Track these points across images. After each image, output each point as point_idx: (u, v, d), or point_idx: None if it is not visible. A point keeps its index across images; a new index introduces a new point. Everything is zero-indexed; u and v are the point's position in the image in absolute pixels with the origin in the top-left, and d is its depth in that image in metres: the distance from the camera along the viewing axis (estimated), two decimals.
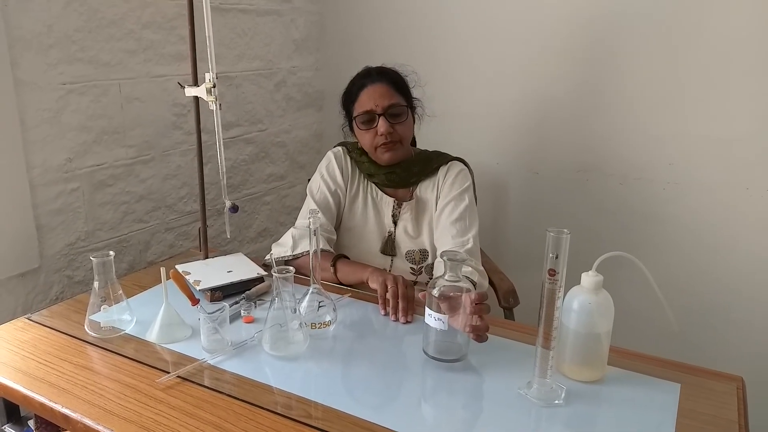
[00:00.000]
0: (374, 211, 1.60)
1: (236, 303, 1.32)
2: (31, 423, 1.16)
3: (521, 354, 1.14)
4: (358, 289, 1.43)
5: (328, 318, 1.24)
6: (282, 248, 1.53)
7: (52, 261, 1.56)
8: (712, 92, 1.78)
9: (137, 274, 1.56)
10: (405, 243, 1.57)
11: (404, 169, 1.57)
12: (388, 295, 1.30)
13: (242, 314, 1.29)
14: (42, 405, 1.01)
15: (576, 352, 1.07)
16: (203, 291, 1.35)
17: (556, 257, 0.94)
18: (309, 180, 1.67)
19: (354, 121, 1.55)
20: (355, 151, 1.61)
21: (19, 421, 1.19)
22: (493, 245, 2.15)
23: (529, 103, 2.07)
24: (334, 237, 1.59)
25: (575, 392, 1.04)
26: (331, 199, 1.58)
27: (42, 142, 1.50)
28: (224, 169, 1.44)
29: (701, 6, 1.74)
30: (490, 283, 1.65)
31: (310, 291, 1.24)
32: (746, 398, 1.05)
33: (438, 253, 1.51)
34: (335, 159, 1.61)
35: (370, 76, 1.54)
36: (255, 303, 1.34)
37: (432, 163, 1.60)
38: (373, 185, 1.61)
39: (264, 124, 2.20)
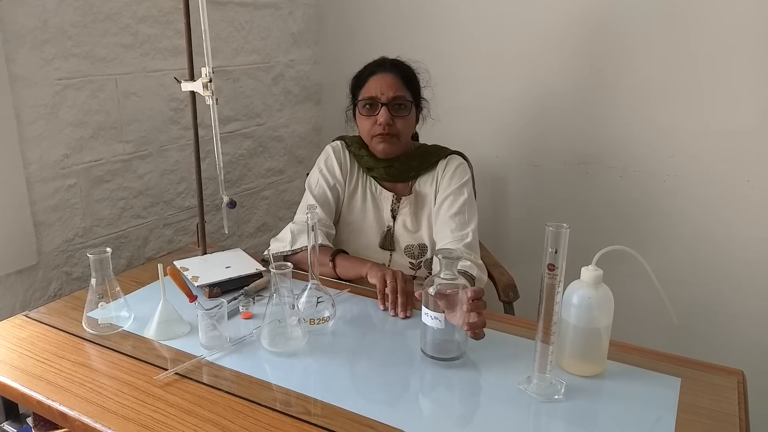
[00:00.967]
0: (373, 205, 1.59)
1: (235, 299, 1.32)
2: (29, 420, 1.16)
3: (521, 349, 1.13)
4: (357, 285, 1.43)
5: (326, 313, 1.23)
6: (280, 243, 1.52)
7: (50, 258, 1.56)
8: (713, 85, 1.77)
9: (135, 270, 1.55)
10: (404, 238, 1.57)
11: (403, 163, 1.56)
12: (387, 290, 1.30)
13: (241, 310, 1.29)
14: (40, 403, 1.00)
15: (576, 347, 1.06)
16: (201, 287, 1.35)
17: (556, 252, 0.94)
18: (308, 174, 1.66)
19: (357, 106, 1.54)
20: (354, 145, 1.60)
21: (17, 418, 1.19)
22: (493, 239, 2.14)
23: (529, 96, 2.06)
24: (333, 232, 1.58)
25: (575, 387, 1.03)
26: (329, 194, 1.57)
27: (38, 139, 1.49)
28: (221, 165, 1.43)
29: None
30: (490, 276, 1.65)
31: (309, 286, 1.23)
32: (747, 392, 1.05)
33: (438, 247, 1.51)
34: (334, 153, 1.61)
35: (384, 65, 1.54)
36: (254, 299, 1.34)
37: (431, 157, 1.59)
38: (372, 180, 1.60)
39: (262, 118, 2.19)
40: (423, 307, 1.09)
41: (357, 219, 1.60)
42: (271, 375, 1.07)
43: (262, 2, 2.11)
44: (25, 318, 1.27)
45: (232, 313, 1.27)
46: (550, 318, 0.98)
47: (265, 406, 0.98)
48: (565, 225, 0.93)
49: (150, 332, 1.19)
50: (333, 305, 1.25)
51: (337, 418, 0.95)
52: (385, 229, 1.58)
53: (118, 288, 1.23)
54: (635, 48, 1.85)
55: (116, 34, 1.63)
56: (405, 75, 1.53)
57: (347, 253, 1.50)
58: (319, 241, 1.46)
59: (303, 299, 1.22)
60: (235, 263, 1.45)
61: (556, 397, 1.00)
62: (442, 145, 1.65)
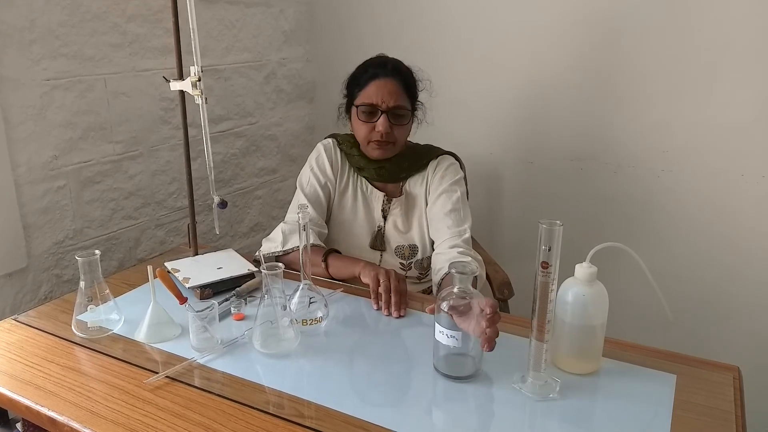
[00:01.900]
0: (364, 205, 1.58)
1: (226, 300, 1.30)
2: (19, 426, 1.14)
3: (515, 347, 1.12)
4: (350, 284, 1.42)
5: (319, 314, 1.22)
6: (272, 244, 1.51)
7: (40, 260, 1.54)
8: (707, 80, 1.76)
9: (126, 272, 1.54)
10: (394, 238, 1.56)
11: (394, 164, 1.55)
12: (381, 290, 1.29)
13: (232, 311, 1.27)
14: (28, 408, 0.99)
15: (571, 345, 1.06)
16: (193, 288, 1.33)
17: (549, 249, 0.93)
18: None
19: (355, 108, 1.52)
20: (345, 144, 1.59)
21: (7, 424, 1.17)
22: (487, 236, 2.13)
23: (523, 93, 2.05)
24: (325, 231, 1.57)
25: (570, 385, 1.02)
26: (321, 192, 1.56)
27: (27, 140, 1.47)
28: (212, 165, 1.42)
29: None
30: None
31: (301, 287, 1.22)
32: (743, 388, 1.04)
33: (436, 245, 1.49)
34: (325, 151, 1.59)
35: (385, 68, 1.49)
36: (245, 300, 1.32)
37: (422, 158, 1.58)
38: (363, 179, 1.59)
39: (254, 117, 2.18)
40: (436, 324, 1.04)
41: (348, 218, 1.58)
42: (263, 377, 1.06)
43: (253, 0, 2.09)
44: (14, 322, 1.25)
45: (224, 315, 1.26)
46: (545, 316, 0.97)
47: (258, 408, 0.97)
48: (558, 222, 0.92)
49: (140, 335, 1.18)
50: (326, 305, 1.24)
51: (330, 421, 0.94)
52: (376, 229, 1.57)
53: (108, 290, 1.21)
54: (629, 44, 1.84)
55: (105, 33, 1.61)
56: (406, 82, 1.50)
57: (340, 253, 1.49)
58: (311, 241, 1.45)
59: (295, 300, 1.21)
60: (227, 264, 1.44)
61: (551, 395, 1.00)
62: (435, 144, 1.64)
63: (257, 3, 2.11)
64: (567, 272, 1.04)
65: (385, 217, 1.57)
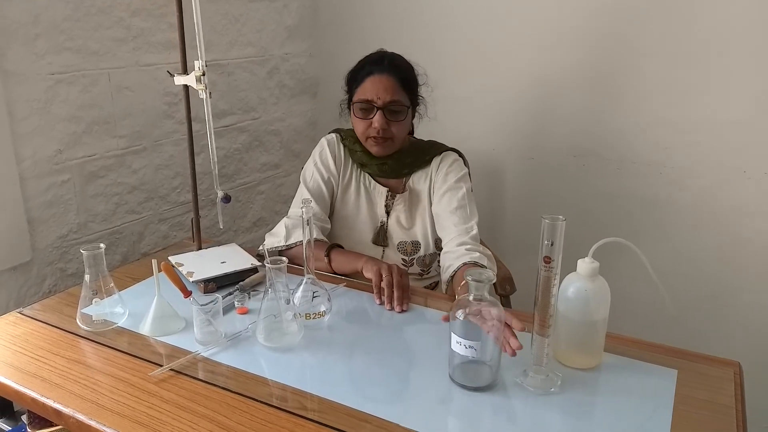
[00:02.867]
0: (367, 200, 1.59)
1: (230, 294, 1.31)
2: (24, 418, 1.15)
3: None
4: (353, 279, 1.42)
5: (322, 308, 1.23)
6: (275, 238, 1.51)
7: (45, 254, 1.55)
8: (709, 76, 1.76)
9: (130, 265, 1.55)
10: (397, 234, 1.56)
11: (396, 160, 1.55)
12: (383, 284, 1.29)
13: (236, 305, 1.28)
14: (34, 400, 1.00)
15: (572, 340, 1.06)
16: (197, 282, 1.34)
17: (552, 244, 0.93)
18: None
19: (353, 105, 1.52)
20: (348, 139, 1.59)
21: (12, 416, 1.18)
22: (489, 232, 2.13)
23: (525, 89, 2.05)
24: (328, 226, 1.58)
25: (572, 380, 1.03)
26: (324, 188, 1.57)
27: (31, 134, 1.48)
28: (216, 159, 1.43)
29: None
30: None
31: (304, 281, 1.23)
32: (743, 383, 1.04)
33: (444, 243, 1.49)
34: (328, 146, 1.60)
35: (381, 64, 1.49)
36: (249, 294, 1.33)
37: (425, 154, 1.58)
38: (366, 174, 1.60)
39: (257, 112, 2.18)
40: (452, 334, 1.00)
41: (350, 213, 1.59)
42: (266, 370, 1.07)
43: None
44: (19, 315, 1.26)
45: (228, 309, 1.27)
46: (547, 311, 0.98)
47: (261, 401, 0.97)
48: (561, 217, 0.92)
49: (145, 328, 1.19)
50: (329, 300, 1.24)
51: (333, 413, 0.95)
52: (379, 225, 1.57)
53: (113, 284, 1.22)
54: (632, 40, 1.84)
55: (109, 27, 1.62)
56: (402, 77, 1.49)
57: (342, 248, 1.49)
58: (315, 236, 1.46)
59: (298, 294, 1.22)
60: (231, 258, 1.44)
61: (552, 389, 1.00)
62: (438, 140, 1.64)
63: None
64: (568, 269, 1.04)
65: (387, 213, 1.57)
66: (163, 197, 1.85)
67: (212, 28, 1.93)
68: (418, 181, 1.58)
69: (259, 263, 1.41)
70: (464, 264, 1.35)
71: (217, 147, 1.42)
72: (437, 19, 2.12)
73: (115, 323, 1.21)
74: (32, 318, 1.25)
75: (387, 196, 1.57)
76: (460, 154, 1.62)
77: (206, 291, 1.34)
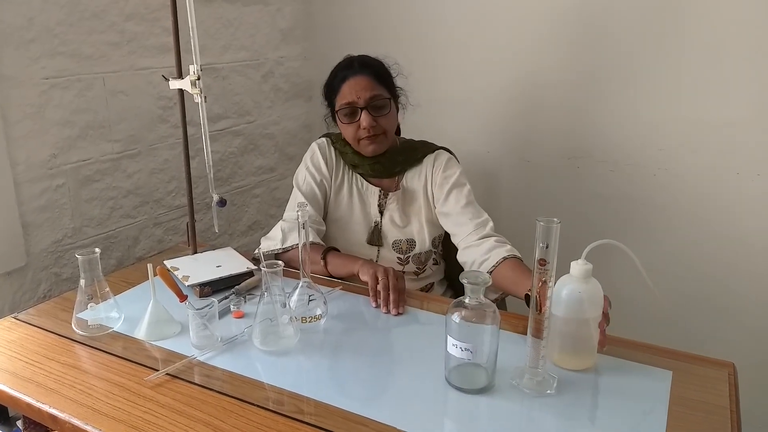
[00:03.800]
0: (360, 201, 1.59)
1: (226, 298, 1.31)
2: (19, 423, 1.15)
3: (512, 344, 1.13)
4: (349, 282, 1.42)
5: (318, 311, 1.23)
6: (271, 242, 1.51)
7: (39, 259, 1.55)
8: (703, 78, 1.77)
9: (125, 270, 1.54)
10: (392, 233, 1.57)
11: (388, 159, 1.55)
12: (379, 287, 1.30)
13: (232, 309, 1.28)
14: (29, 405, 0.99)
15: (566, 342, 1.07)
16: (192, 286, 1.34)
17: (546, 246, 0.94)
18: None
19: (336, 114, 1.53)
20: (339, 142, 1.60)
21: (7, 421, 1.18)
22: None
23: (519, 90, 2.06)
24: (324, 228, 1.58)
25: (567, 381, 1.03)
26: (317, 191, 1.57)
27: (25, 138, 1.48)
28: (211, 163, 1.43)
29: None
30: None
31: (300, 284, 1.23)
32: (738, 384, 1.05)
33: (459, 240, 1.49)
34: (319, 150, 1.60)
35: (352, 67, 1.51)
36: (245, 298, 1.33)
37: (417, 152, 1.59)
38: (358, 176, 1.60)
39: (252, 115, 2.18)
40: (448, 337, 1.01)
41: (344, 215, 1.59)
42: (263, 374, 1.07)
43: None
44: (13, 320, 1.26)
45: (223, 313, 1.27)
46: (542, 313, 0.98)
47: (258, 405, 0.97)
48: (555, 220, 0.93)
49: (140, 333, 1.18)
50: (325, 303, 1.25)
51: (330, 417, 0.95)
52: (373, 225, 1.58)
53: (108, 288, 1.22)
54: (625, 42, 1.84)
55: (103, 31, 1.61)
56: (376, 72, 1.51)
57: (338, 251, 1.50)
58: (310, 239, 1.46)
59: (294, 297, 1.22)
60: (226, 262, 1.44)
61: (548, 391, 1.01)
62: (430, 140, 1.65)
63: (255, 1, 2.11)
64: (562, 270, 1.05)
65: (381, 213, 1.58)
66: (158, 201, 1.85)
67: (206, 32, 1.93)
68: (412, 179, 1.58)
69: (255, 267, 1.41)
70: (504, 258, 1.37)
71: (212, 151, 1.42)
72: (431, 22, 2.13)
73: (111, 328, 1.21)
74: (27, 323, 1.25)
75: (380, 196, 1.58)
76: (452, 153, 1.62)
77: (202, 295, 1.34)
